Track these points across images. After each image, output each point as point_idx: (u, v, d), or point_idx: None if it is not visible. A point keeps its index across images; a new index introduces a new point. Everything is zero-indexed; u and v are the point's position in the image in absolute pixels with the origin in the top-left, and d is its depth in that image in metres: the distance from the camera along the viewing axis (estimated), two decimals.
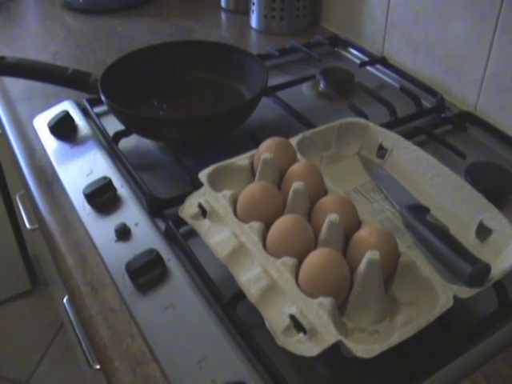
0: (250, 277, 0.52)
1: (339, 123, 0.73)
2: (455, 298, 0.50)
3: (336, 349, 0.47)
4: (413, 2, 0.96)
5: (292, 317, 0.49)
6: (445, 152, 0.78)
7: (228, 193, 0.60)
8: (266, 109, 0.86)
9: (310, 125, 0.81)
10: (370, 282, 0.50)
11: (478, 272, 0.52)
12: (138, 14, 1.28)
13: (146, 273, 0.59)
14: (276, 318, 0.49)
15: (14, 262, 1.75)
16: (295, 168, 0.62)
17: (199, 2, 1.34)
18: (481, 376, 0.52)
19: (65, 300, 0.99)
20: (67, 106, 0.88)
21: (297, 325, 0.48)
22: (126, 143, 0.80)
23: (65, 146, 0.82)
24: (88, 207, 0.70)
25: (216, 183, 0.62)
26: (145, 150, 0.81)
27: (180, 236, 0.63)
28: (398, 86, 0.96)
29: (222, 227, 0.58)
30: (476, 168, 0.74)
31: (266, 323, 0.49)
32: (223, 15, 1.29)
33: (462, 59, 0.90)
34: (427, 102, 0.92)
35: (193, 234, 0.61)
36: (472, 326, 0.55)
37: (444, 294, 0.50)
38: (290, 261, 0.52)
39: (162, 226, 0.66)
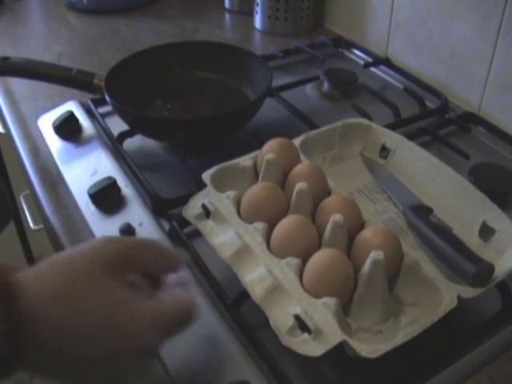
0: (255, 277, 0.52)
1: (342, 124, 0.73)
2: (459, 298, 0.50)
3: (340, 349, 0.47)
4: (416, 3, 0.96)
5: (297, 317, 0.49)
6: (448, 153, 0.78)
7: (231, 193, 0.60)
8: (269, 109, 0.86)
9: (313, 125, 0.81)
10: (375, 282, 0.50)
11: (482, 272, 0.52)
12: (142, 15, 1.28)
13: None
14: (280, 318, 0.49)
15: (18, 263, 1.74)
16: (299, 169, 0.62)
17: (203, 3, 1.35)
18: (485, 376, 0.52)
19: None
20: (72, 106, 0.89)
21: (301, 325, 0.48)
22: (130, 143, 0.80)
23: (69, 146, 0.82)
24: (92, 207, 0.70)
25: (220, 184, 0.62)
26: (149, 151, 0.81)
27: (184, 236, 0.63)
28: (401, 86, 0.96)
29: (225, 228, 0.58)
30: (479, 169, 0.74)
31: (271, 323, 0.49)
32: (227, 16, 1.30)
33: (465, 60, 0.90)
34: (431, 103, 0.92)
35: (197, 234, 0.61)
36: (476, 326, 0.55)
37: (448, 294, 0.50)
38: (294, 261, 0.52)
39: (167, 226, 0.66)
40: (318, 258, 0.51)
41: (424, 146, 0.73)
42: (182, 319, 0.46)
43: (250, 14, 1.23)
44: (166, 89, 0.89)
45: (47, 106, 0.91)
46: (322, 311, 0.48)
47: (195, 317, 0.47)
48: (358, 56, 1.10)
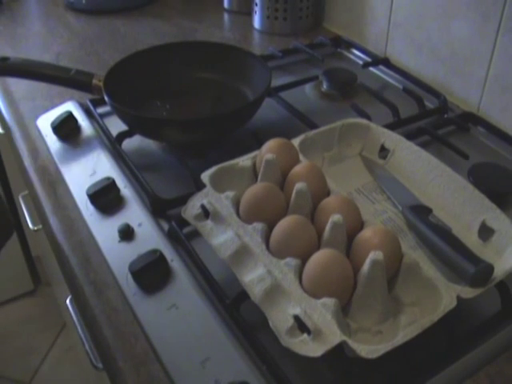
0: (254, 277, 0.52)
1: (341, 124, 0.73)
2: (458, 299, 0.50)
3: (340, 349, 0.47)
4: (415, 3, 0.96)
5: (296, 317, 0.49)
6: (447, 153, 0.78)
7: (231, 194, 0.60)
8: (268, 109, 0.86)
9: (312, 125, 0.81)
10: (374, 283, 0.50)
11: (481, 272, 0.52)
12: (140, 15, 1.28)
13: (150, 273, 0.59)
14: (280, 318, 0.49)
15: (17, 263, 1.76)
16: (298, 169, 0.62)
17: (202, 3, 1.35)
18: (484, 376, 0.52)
19: (68, 300, 0.99)
20: (70, 106, 0.89)
21: (301, 325, 0.48)
22: (129, 144, 0.80)
23: (68, 147, 0.82)
24: (91, 207, 0.70)
25: (218, 184, 0.62)
26: (148, 151, 0.81)
27: (183, 236, 0.63)
28: (400, 86, 0.96)
29: (224, 228, 0.58)
30: (479, 168, 0.74)
31: (270, 323, 0.49)
32: (226, 16, 1.30)
33: (464, 60, 0.90)
34: (430, 103, 0.92)
35: (196, 234, 0.61)
36: (475, 327, 0.55)
37: (447, 295, 0.50)
38: (293, 261, 0.52)
39: (166, 226, 0.66)
40: (318, 259, 0.51)
41: (423, 145, 0.73)
42: None
43: (249, 14, 1.23)
44: (165, 89, 0.89)
45: (46, 106, 0.91)
46: (321, 312, 0.48)
47: None
48: (357, 56, 1.10)
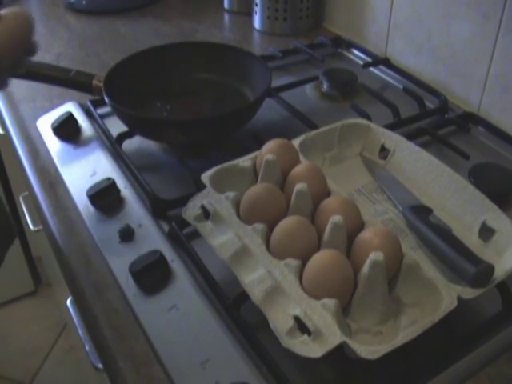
0: (254, 278, 0.52)
1: (341, 124, 0.73)
2: (459, 299, 0.50)
3: (340, 350, 0.47)
4: (416, 3, 0.96)
5: (296, 318, 0.49)
6: (448, 153, 0.78)
7: (231, 194, 0.60)
8: (269, 110, 0.86)
9: (313, 126, 0.81)
10: (374, 283, 0.50)
11: (482, 273, 0.52)
12: (141, 15, 1.28)
13: (150, 274, 0.59)
14: (280, 319, 0.49)
15: (18, 263, 1.76)
16: (298, 169, 0.62)
17: (202, 3, 1.35)
18: (484, 377, 0.52)
19: (68, 301, 0.99)
20: (71, 107, 0.89)
21: (301, 326, 0.48)
22: (129, 144, 0.80)
23: (68, 148, 0.82)
24: (92, 208, 0.70)
25: (219, 185, 0.62)
26: (148, 152, 0.81)
27: (183, 237, 0.63)
28: (401, 86, 0.96)
29: (225, 229, 0.58)
30: (479, 169, 0.74)
31: (270, 324, 0.49)
32: (226, 16, 1.30)
33: (465, 60, 0.90)
34: (430, 103, 0.92)
35: (196, 234, 0.61)
36: (475, 327, 0.55)
37: (448, 295, 0.50)
38: (293, 262, 0.52)
39: (166, 227, 0.66)
40: (318, 259, 0.51)
41: (423, 146, 0.73)
42: (24, 25, 0.56)
43: (249, 14, 1.23)
44: (165, 89, 0.89)
45: (46, 107, 0.91)
46: (321, 312, 0.48)
47: (32, 18, 0.57)
48: (358, 56, 1.10)
